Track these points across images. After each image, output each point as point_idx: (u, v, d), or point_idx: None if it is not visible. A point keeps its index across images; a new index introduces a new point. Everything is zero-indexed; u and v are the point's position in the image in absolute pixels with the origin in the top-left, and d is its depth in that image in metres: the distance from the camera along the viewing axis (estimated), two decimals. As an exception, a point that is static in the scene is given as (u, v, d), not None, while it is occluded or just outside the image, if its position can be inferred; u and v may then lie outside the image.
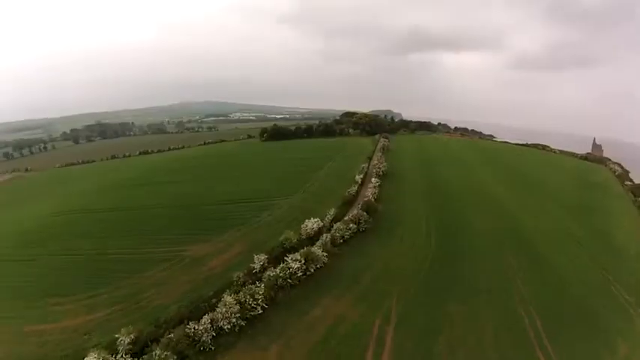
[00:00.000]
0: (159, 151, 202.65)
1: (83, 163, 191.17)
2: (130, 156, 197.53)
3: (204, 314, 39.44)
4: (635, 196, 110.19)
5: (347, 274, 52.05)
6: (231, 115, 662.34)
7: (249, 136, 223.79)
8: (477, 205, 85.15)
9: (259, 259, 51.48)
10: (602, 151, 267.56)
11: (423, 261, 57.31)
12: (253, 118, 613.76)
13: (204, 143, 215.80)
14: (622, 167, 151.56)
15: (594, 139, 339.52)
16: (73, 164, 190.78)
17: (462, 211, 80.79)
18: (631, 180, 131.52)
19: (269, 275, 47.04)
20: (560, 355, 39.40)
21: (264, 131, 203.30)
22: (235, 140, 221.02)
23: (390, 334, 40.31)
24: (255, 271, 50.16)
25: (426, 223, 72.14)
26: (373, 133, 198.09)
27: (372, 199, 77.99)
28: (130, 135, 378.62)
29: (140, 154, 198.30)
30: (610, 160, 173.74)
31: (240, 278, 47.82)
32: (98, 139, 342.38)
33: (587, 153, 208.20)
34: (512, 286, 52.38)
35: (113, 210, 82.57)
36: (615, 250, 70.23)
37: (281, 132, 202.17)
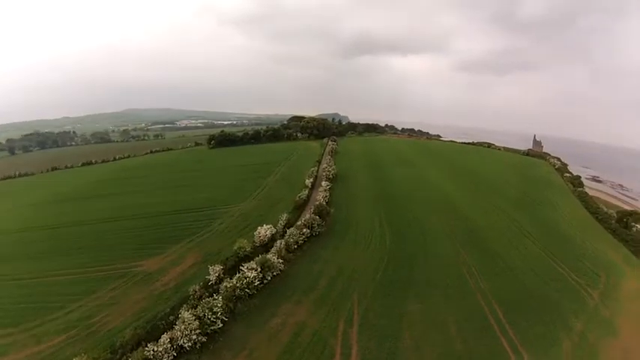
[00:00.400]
0: (103, 161, 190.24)
1: (21, 175, 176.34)
2: (72, 167, 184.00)
3: (163, 333, 37.47)
4: (574, 186, 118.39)
5: (304, 280, 51.44)
6: (177, 122, 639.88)
7: (197, 144, 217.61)
8: (428, 204, 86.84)
9: (214, 270, 49.74)
10: (542, 146, 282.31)
11: (379, 262, 57.54)
12: (200, 124, 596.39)
13: (151, 152, 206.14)
14: (561, 161, 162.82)
15: (535, 135, 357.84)
16: (10, 177, 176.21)
17: (413, 210, 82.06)
18: (570, 172, 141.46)
19: (226, 286, 45.53)
20: (522, 339, 41.40)
21: (211, 138, 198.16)
22: (183, 148, 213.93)
23: (355, 338, 40.12)
24: (212, 283, 48.49)
25: (379, 224, 72.73)
26: (321, 137, 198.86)
27: (324, 203, 77.64)
28: (71, 145, 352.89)
29: (83, 164, 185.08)
30: (549, 154, 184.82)
31: (196, 292, 45.94)
32: (36, 149, 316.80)
33: (529, 149, 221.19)
34: (468, 279, 54.02)
35: (58, 227, 76.89)
36: (561, 239, 74.45)
37: (229, 138, 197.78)
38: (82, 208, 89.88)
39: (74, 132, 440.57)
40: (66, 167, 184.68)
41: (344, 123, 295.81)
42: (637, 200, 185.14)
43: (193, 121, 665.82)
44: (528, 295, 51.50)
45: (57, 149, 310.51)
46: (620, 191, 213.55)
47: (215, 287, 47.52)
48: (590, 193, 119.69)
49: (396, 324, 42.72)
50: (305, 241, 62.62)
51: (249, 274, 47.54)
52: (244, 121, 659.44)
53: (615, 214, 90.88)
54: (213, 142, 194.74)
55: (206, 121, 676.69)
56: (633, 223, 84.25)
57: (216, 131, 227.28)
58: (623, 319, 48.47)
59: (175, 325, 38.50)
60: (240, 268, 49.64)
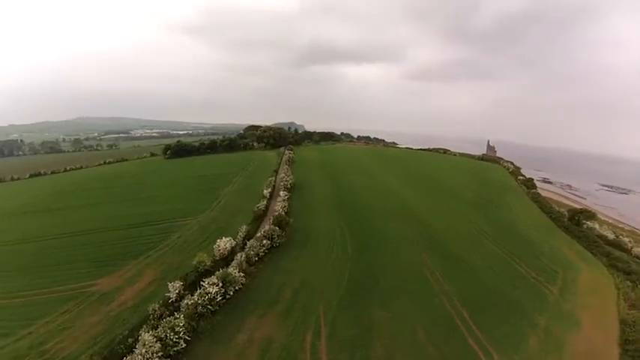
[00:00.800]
0: (53, 172, 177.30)
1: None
2: (18, 179, 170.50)
3: (122, 358, 34.55)
4: (528, 188, 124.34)
5: (267, 293, 49.54)
6: (132, 132, 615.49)
7: (153, 154, 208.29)
8: (387, 211, 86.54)
9: (174, 287, 46.87)
10: (496, 151, 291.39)
11: (342, 271, 56.37)
12: (156, 134, 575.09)
13: (105, 162, 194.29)
14: (514, 165, 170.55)
15: (488, 141, 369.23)
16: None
17: (373, 218, 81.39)
18: (523, 175, 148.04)
19: (187, 304, 42.98)
20: (490, 339, 41.64)
21: (167, 148, 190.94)
22: (138, 158, 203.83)
23: (324, 350, 38.64)
24: (172, 301, 45.61)
25: (339, 233, 71.49)
26: (278, 146, 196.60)
27: (283, 213, 76.18)
28: (18, 154, 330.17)
29: (31, 176, 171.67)
30: (503, 159, 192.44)
31: (156, 311, 43.10)
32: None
33: (483, 154, 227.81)
34: (433, 284, 53.90)
35: (3, 244, 70.87)
36: (519, 238, 77.06)
37: (185, 148, 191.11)
38: (30, 224, 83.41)
39: (21, 140, 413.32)
40: (12, 179, 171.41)
41: (300, 132, 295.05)
42: (585, 199, 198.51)
43: (148, 131, 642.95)
44: (492, 295, 52.51)
45: (2, 159, 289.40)
46: (569, 191, 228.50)
47: (176, 305, 44.81)
48: (543, 194, 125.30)
49: (366, 333, 41.70)
50: (266, 252, 60.78)
51: (211, 290, 45.18)
52: (200, 131, 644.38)
53: (567, 213, 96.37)
54: (169, 152, 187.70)
55: (162, 130, 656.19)
56: (584, 221, 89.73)
57: (172, 141, 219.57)
58: (584, 311, 50.77)
59: (135, 348, 35.60)
60: (201, 283, 47.10)
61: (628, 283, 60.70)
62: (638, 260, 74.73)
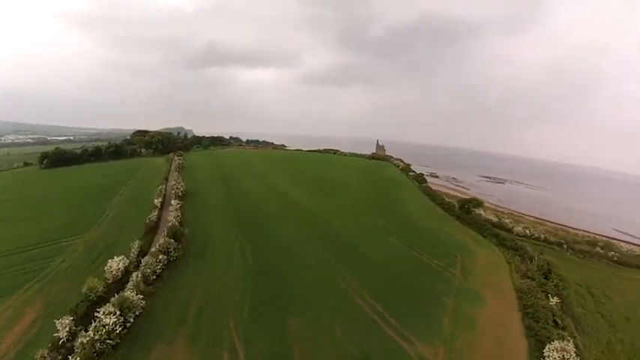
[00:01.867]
0: None
1: None
2: None
3: None
4: (419, 183, 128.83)
5: (171, 314, 44.01)
6: (2, 138, 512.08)
7: (27, 164, 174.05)
8: (284, 214, 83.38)
9: (64, 324, 38.84)
10: (385, 150, 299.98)
11: (245, 279, 52.59)
12: (30, 140, 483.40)
13: None
14: (403, 162, 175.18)
15: (377, 140, 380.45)
16: None
17: (270, 223, 77.65)
18: (413, 171, 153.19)
19: (82, 342, 35.88)
20: (408, 327, 42.41)
21: (44, 156, 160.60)
22: (9, 169, 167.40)
23: None
24: (63, 342, 37.84)
25: (236, 240, 66.94)
26: (167, 152, 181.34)
27: (177, 223, 69.45)
28: None
29: None
30: (392, 157, 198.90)
31: (45, 358, 35.49)
32: None
33: (373, 153, 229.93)
34: (340, 282, 52.85)
35: None
36: (417, 230, 78.79)
37: (65, 156, 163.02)
38: None
39: None
40: None
41: (189, 137, 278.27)
42: (469, 189, 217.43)
43: (22, 137, 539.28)
44: (399, 285, 53.29)
45: None
46: (455, 183, 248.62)
47: (69, 346, 37.23)
48: (432, 187, 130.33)
49: (283, 342, 39.16)
50: (163, 268, 54.00)
51: (108, 321, 38.24)
52: (83, 137, 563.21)
53: (457, 203, 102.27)
54: (46, 161, 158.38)
55: (38, 136, 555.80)
56: (473, 208, 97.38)
57: (49, 148, 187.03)
58: (485, 287, 54.85)
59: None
60: (96, 314, 39.78)
61: (517, 257, 68.66)
62: (519, 237, 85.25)
